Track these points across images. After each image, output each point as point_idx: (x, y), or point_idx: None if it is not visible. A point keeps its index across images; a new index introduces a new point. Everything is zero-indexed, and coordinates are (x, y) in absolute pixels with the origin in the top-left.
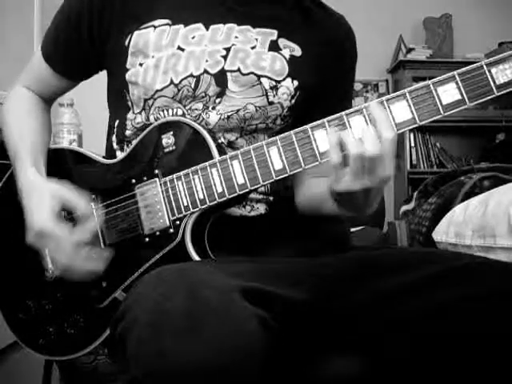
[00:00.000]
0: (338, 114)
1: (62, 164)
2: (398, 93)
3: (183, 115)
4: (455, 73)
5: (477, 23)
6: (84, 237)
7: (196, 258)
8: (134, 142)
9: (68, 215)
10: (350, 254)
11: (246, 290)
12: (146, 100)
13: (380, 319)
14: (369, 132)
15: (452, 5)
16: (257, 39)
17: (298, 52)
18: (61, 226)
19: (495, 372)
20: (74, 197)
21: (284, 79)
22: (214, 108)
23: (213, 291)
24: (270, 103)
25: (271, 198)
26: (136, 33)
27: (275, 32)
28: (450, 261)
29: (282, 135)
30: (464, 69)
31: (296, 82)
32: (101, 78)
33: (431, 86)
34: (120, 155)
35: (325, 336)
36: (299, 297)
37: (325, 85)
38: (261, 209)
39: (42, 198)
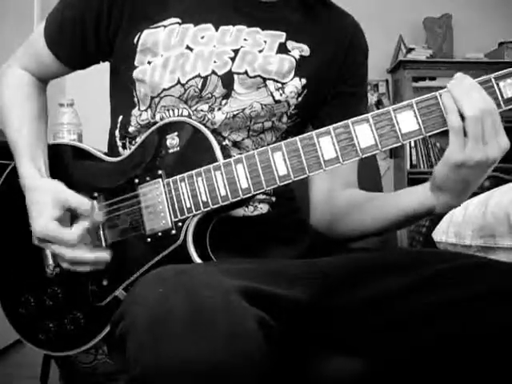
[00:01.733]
0: (343, 122)
1: (65, 160)
2: (404, 103)
3: (189, 116)
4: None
5: (477, 23)
6: (85, 231)
7: (197, 260)
8: (138, 141)
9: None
10: (349, 254)
11: (245, 290)
12: (152, 98)
13: (380, 319)
14: (480, 93)
15: (452, 5)
16: (265, 41)
17: (306, 52)
18: (60, 227)
19: (495, 372)
20: (75, 196)
21: (291, 80)
22: (219, 109)
23: (212, 292)
24: (277, 101)
25: (274, 199)
26: (146, 31)
27: (283, 34)
28: (450, 261)
29: (287, 141)
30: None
31: (304, 80)
32: (101, 78)
33: (438, 97)
34: (123, 153)
35: (324, 336)
36: (299, 297)
37: (334, 83)
38: (264, 209)
39: (43, 201)
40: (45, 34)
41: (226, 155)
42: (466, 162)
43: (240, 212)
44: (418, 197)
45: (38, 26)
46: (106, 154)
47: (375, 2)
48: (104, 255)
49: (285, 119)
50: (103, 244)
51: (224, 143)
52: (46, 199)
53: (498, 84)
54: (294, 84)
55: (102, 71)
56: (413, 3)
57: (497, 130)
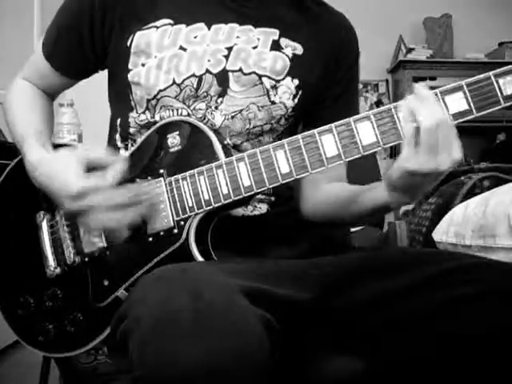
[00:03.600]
0: (345, 120)
1: None
2: (401, 102)
3: (188, 115)
4: (463, 83)
5: (477, 23)
6: (119, 176)
7: (200, 258)
8: (139, 141)
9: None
10: (350, 254)
11: (248, 290)
12: (148, 100)
13: (380, 319)
14: (437, 105)
15: (452, 5)
16: (258, 39)
17: (299, 51)
18: (92, 178)
19: (495, 372)
20: (97, 153)
21: (283, 78)
22: (216, 108)
23: (215, 292)
24: (273, 102)
25: (273, 198)
26: (138, 33)
27: (277, 32)
28: (450, 261)
29: (289, 139)
30: (472, 79)
31: (296, 81)
32: (101, 78)
33: (439, 94)
34: (124, 154)
35: (325, 336)
36: (300, 297)
37: (327, 84)
38: (263, 208)
39: (63, 166)
40: (42, 46)
41: (228, 154)
42: (417, 171)
43: (239, 212)
44: (377, 193)
45: (39, 39)
46: None
47: (375, 3)
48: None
49: (283, 121)
50: (104, 244)
51: (225, 142)
52: (68, 162)
53: (497, 81)
54: (287, 84)
55: (101, 72)
56: (413, 3)
57: (450, 141)
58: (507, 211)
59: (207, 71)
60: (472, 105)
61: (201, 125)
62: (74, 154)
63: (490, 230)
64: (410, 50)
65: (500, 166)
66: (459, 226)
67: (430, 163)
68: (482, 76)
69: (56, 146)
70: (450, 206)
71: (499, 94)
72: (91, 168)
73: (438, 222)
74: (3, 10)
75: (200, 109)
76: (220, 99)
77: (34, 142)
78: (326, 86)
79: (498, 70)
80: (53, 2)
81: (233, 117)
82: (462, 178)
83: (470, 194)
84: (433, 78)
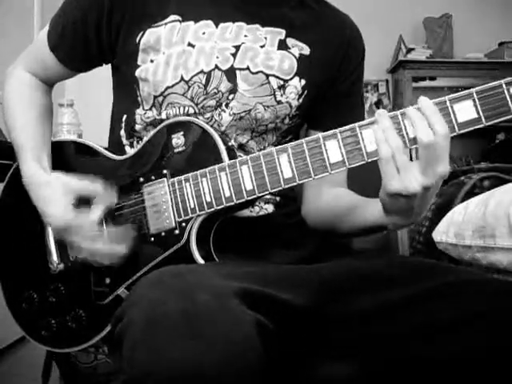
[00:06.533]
0: (350, 126)
1: (71, 158)
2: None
3: (195, 114)
4: (473, 90)
5: (477, 23)
6: (103, 213)
7: (200, 260)
8: (144, 140)
9: (82, 204)
10: (349, 260)
11: (243, 293)
12: (155, 97)
13: (377, 328)
14: (421, 123)
15: (452, 5)
16: (266, 38)
17: (306, 51)
18: (78, 214)
19: (494, 379)
20: (84, 183)
21: (292, 78)
22: (227, 105)
23: (209, 294)
24: (278, 102)
25: (278, 199)
26: (149, 30)
27: (283, 31)
28: (448, 275)
29: (293, 143)
30: (482, 87)
31: (303, 81)
32: (101, 77)
33: (447, 102)
34: (129, 152)
35: (321, 341)
36: (297, 301)
37: (332, 83)
38: (269, 209)
39: (53, 194)
40: (48, 37)
41: (232, 156)
42: (401, 192)
43: (245, 213)
44: (375, 212)
45: (42, 30)
46: (111, 152)
47: (375, 2)
48: (120, 249)
49: (287, 120)
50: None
51: (230, 143)
52: (56, 191)
53: (508, 90)
54: (294, 84)
55: (101, 71)
56: (413, 3)
57: (442, 157)
58: (507, 211)
59: (216, 67)
60: (481, 113)
61: (206, 126)
62: (63, 187)
63: (489, 230)
64: (409, 50)
65: (500, 166)
66: (459, 226)
67: (414, 182)
68: (492, 84)
69: (56, 145)
70: (450, 206)
71: (510, 104)
72: (79, 197)
73: (437, 222)
74: (4, 9)
75: (209, 106)
76: (231, 95)
77: (29, 157)
78: (332, 84)
79: (510, 79)
80: (52, 3)
81: (241, 117)
82: (462, 178)
83: (470, 193)
84: (433, 78)
